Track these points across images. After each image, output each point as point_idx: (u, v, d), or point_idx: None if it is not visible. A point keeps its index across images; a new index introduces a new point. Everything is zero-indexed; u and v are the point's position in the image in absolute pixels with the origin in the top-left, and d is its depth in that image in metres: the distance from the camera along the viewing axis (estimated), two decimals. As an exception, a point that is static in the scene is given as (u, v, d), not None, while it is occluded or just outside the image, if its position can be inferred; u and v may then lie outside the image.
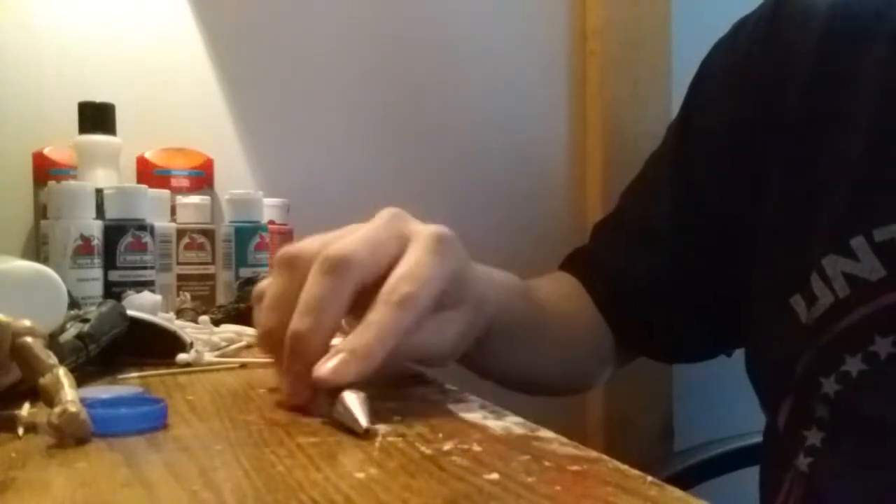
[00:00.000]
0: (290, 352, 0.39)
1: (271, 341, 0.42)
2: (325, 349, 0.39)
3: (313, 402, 0.39)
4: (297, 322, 0.39)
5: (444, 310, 0.43)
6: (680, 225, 0.65)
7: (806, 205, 0.56)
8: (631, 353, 0.72)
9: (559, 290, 0.67)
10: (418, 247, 0.41)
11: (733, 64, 0.63)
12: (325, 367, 0.38)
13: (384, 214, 0.43)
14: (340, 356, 0.38)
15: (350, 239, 0.41)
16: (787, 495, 0.56)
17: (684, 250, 0.64)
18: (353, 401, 0.36)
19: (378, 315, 0.39)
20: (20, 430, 0.36)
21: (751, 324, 0.61)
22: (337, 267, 0.39)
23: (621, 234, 0.70)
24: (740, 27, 0.64)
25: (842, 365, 0.52)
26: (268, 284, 0.43)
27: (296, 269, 0.41)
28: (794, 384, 0.55)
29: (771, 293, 0.58)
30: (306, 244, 0.42)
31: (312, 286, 0.40)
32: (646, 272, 0.66)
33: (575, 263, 0.72)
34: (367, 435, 0.35)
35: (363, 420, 0.35)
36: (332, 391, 0.37)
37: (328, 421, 0.37)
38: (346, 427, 0.36)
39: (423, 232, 0.42)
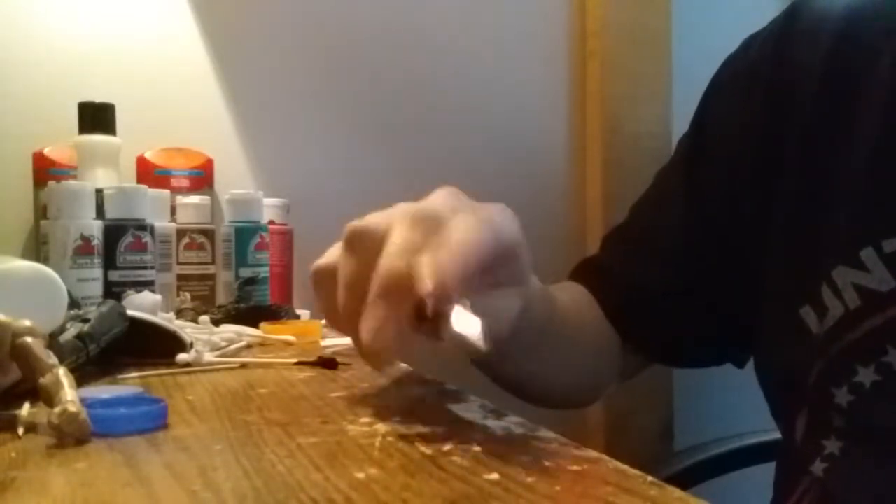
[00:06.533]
0: (383, 290, 0.37)
1: (348, 319, 0.40)
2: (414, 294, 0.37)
3: (396, 344, 0.38)
4: (392, 261, 0.38)
5: (502, 286, 0.42)
6: (691, 234, 0.65)
7: (815, 216, 0.56)
8: (635, 366, 0.71)
9: (572, 298, 0.66)
10: (477, 214, 0.41)
11: (743, 76, 0.63)
12: (428, 283, 0.35)
13: (443, 191, 0.42)
14: (438, 262, 0.36)
15: (433, 202, 0.40)
16: (800, 498, 0.56)
17: (695, 259, 0.64)
18: (466, 321, 0.35)
19: (457, 231, 0.38)
20: (20, 430, 0.36)
21: (761, 333, 0.61)
22: (430, 218, 0.39)
23: (631, 243, 0.70)
24: (751, 42, 0.64)
25: (854, 376, 0.51)
26: (338, 263, 0.42)
27: (367, 247, 0.40)
28: (808, 395, 0.55)
29: (781, 303, 0.57)
30: (372, 221, 0.41)
31: (404, 231, 0.38)
32: (656, 277, 0.66)
33: (583, 272, 0.71)
34: (487, 353, 0.35)
35: (480, 342, 0.35)
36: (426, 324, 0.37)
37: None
38: (464, 350, 0.35)
39: (484, 204, 0.42)
